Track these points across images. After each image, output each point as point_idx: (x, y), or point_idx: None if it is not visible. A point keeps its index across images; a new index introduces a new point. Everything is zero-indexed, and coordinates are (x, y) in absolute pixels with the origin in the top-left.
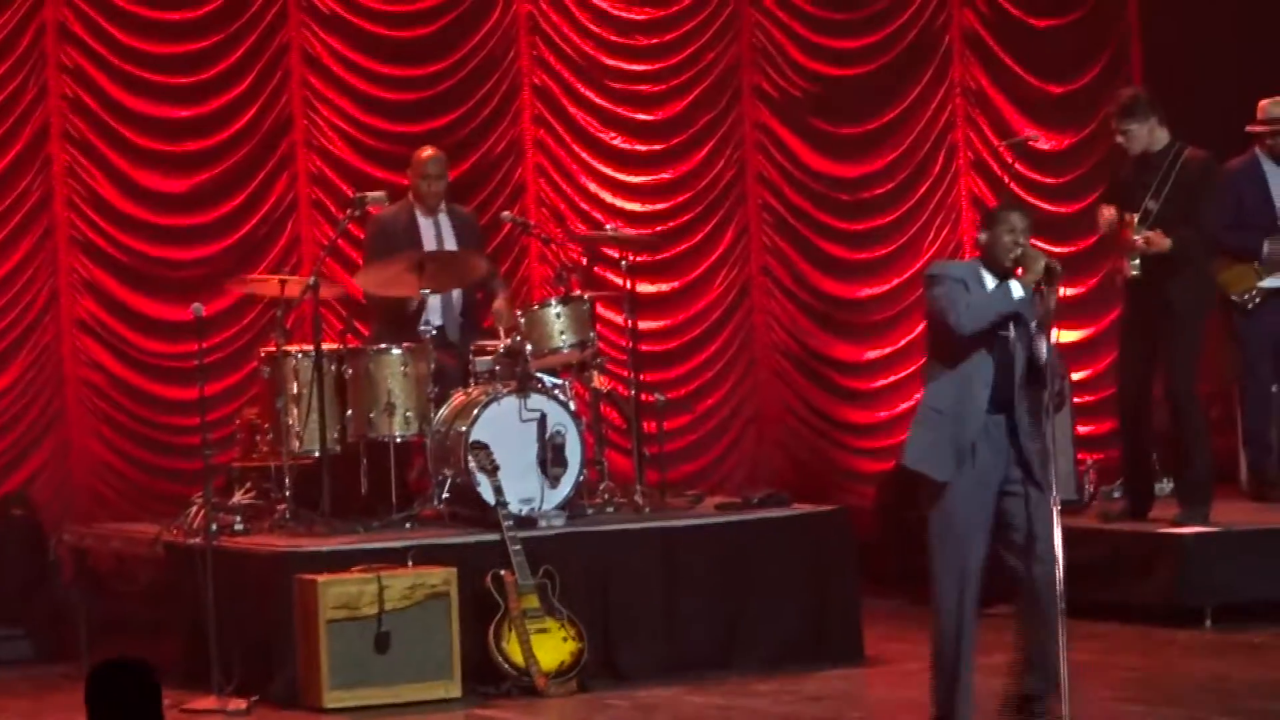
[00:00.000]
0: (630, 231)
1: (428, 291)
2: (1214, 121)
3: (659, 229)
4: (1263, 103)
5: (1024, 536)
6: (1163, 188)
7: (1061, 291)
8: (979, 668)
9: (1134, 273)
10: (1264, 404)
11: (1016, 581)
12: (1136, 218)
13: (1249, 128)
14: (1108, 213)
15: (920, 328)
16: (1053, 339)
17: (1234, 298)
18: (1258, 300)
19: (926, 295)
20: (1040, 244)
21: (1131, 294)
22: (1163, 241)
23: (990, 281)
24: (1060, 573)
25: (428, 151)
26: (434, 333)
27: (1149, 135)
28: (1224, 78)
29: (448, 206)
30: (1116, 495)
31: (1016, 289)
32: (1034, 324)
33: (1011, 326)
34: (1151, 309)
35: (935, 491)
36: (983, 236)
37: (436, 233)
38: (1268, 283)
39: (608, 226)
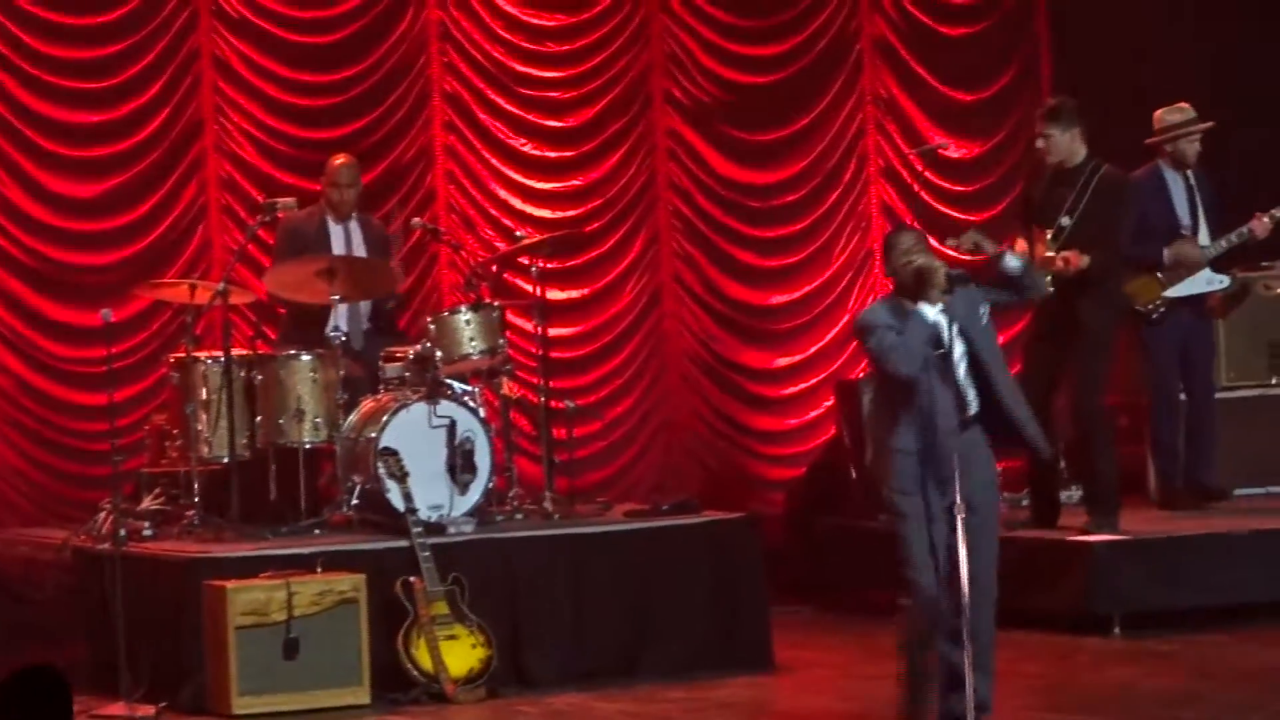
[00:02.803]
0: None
1: (338, 298)
2: (1121, 131)
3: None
4: (1158, 112)
5: (951, 557)
6: (1078, 204)
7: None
8: (888, 675)
9: (1049, 291)
10: (1172, 413)
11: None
12: (1050, 234)
13: (1147, 141)
14: (1021, 249)
15: (830, 335)
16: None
17: (1139, 308)
18: (1163, 310)
19: (864, 349)
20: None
21: (1040, 309)
22: (1081, 260)
23: (911, 309)
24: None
25: (340, 159)
26: (343, 339)
27: (1069, 145)
28: (1133, 88)
29: (358, 215)
30: (1025, 503)
31: (927, 311)
32: (983, 315)
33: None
34: (1060, 325)
35: (905, 516)
36: (887, 269)
37: (346, 239)
38: (1173, 292)
39: (518, 233)
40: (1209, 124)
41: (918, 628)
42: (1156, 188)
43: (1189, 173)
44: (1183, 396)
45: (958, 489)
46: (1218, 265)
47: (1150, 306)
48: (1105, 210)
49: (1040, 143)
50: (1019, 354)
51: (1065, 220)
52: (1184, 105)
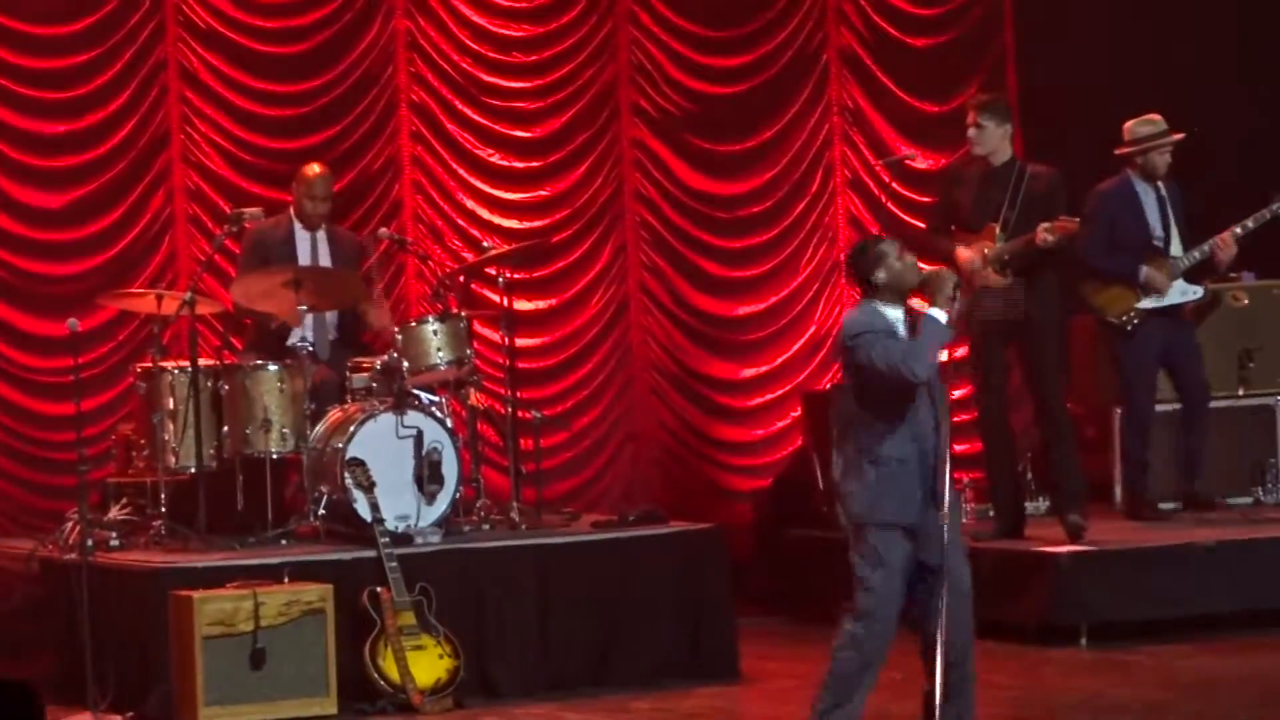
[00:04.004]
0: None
1: (305, 308)
2: (1086, 142)
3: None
4: (1128, 124)
5: (935, 565)
6: (1015, 201)
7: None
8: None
9: (1007, 281)
10: (1143, 425)
11: (925, 612)
12: (998, 227)
13: (1117, 151)
14: (966, 255)
15: (797, 346)
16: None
17: (1113, 319)
18: (1137, 321)
19: (857, 356)
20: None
21: (985, 308)
22: (1072, 222)
23: (891, 315)
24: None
25: (316, 170)
26: (310, 349)
27: (999, 141)
28: (1097, 99)
29: (326, 225)
30: (990, 515)
31: (939, 315)
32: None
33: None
34: (1008, 322)
35: (890, 536)
36: (880, 275)
37: (313, 249)
38: (1147, 303)
39: (485, 243)
40: (1179, 135)
41: (858, 662)
42: (1127, 199)
43: (1160, 184)
44: (1178, 406)
45: (947, 504)
46: (1190, 275)
47: (1124, 318)
48: (1042, 203)
49: (971, 132)
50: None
51: (1009, 214)
52: (1154, 117)
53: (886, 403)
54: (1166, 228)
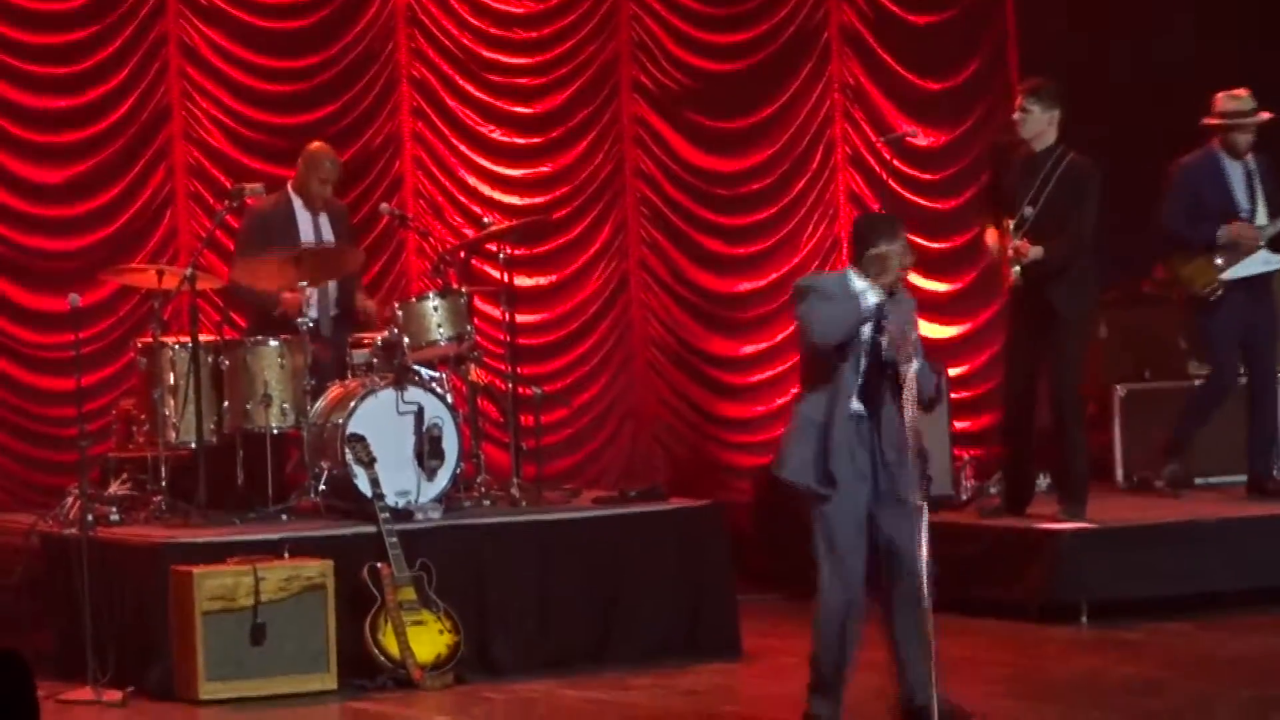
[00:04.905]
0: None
1: (305, 284)
2: (1087, 120)
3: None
4: (1219, 95)
5: (886, 550)
6: (1041, 192)
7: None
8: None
9: (1016, 280)
10: (1218, 399)
11: (882, 594)
12: (1012, 224)
13: (1205, 121)
14: (992, 238)
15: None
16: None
17: (1196, 292)
18: (1220, 293)
19: (795, 309)
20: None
21: (1016, 301)
22: (1031, 250)
23: (858, 285)
24: (925, 581)
25: (327, 152)
26: (310, 325)
27: (1045, 126)
28: (1099, 78)
29: (325, 200)
30: (993, 491)
31: (870, 295)
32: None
33: (875, 331)
34: (1036, 316)
35: (814, 499)
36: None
37: (314, 225)
38: (1230, 274)
39: (485, 219)
40: (1266, 115)
41: (832, 621)
42: (1212, 170)
43: (1250, 157)
44: (1243, 379)
45: (908, 479)
46: (1274, 246)
47: (1207, 290)
48: (1068, 198)
49: (1017, 115)
50: (986, 344)
51: (1028, 210)
52: (1241, 93)
53: (813, 361)
54: (1253, 200)
